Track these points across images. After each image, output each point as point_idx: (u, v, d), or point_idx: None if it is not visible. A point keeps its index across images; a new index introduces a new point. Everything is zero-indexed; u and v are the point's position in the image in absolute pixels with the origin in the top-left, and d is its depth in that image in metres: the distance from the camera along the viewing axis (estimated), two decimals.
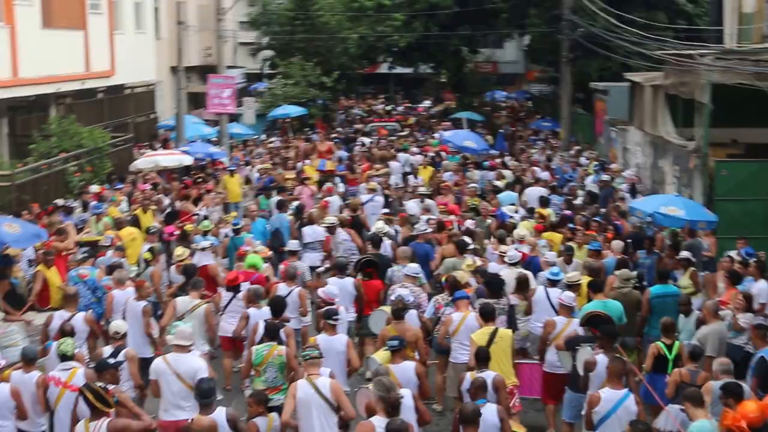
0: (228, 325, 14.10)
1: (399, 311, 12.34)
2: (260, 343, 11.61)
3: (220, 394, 12.42)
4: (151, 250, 16.65)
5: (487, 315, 12.19)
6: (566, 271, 14.98)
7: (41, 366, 11.47)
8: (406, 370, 10.61)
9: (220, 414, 9.41)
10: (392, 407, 8.97)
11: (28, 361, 10.86)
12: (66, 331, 11.63)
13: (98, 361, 10.73)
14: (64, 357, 10.75)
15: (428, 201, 21.42)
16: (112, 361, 10.71)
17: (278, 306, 12.71)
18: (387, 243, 17.14)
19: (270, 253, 17.11)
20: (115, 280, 14.43)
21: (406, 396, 9.65)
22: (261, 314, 12.86)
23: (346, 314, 13.81)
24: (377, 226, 17.88)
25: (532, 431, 12.17)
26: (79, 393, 9.50)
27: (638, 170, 26.62)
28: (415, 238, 17.32)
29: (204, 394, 9.50)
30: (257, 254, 15.98)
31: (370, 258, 15.50)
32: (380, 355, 11.01)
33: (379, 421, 8.93)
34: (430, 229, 17.70)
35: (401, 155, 30.57)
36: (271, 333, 11.62)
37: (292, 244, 16.74)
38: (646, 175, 25.93)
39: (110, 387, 9.81)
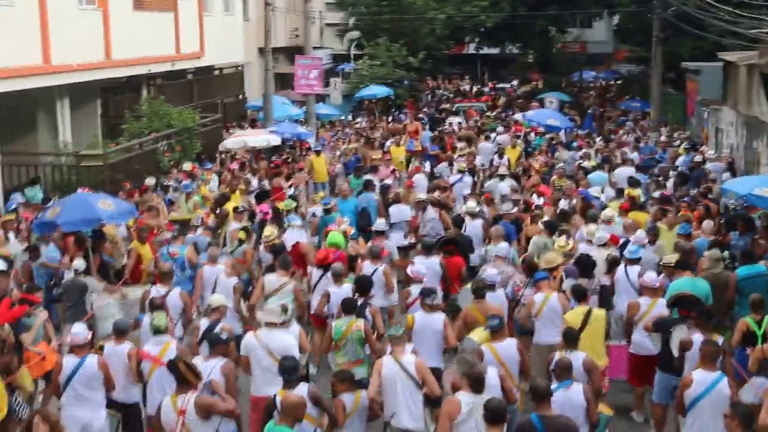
0: (315, 302, 14.18)
1: (480, 290, 12.31)
2: (338, 318, 11.70)
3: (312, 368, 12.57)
4: (245, 229, 16.81)
5: (579, 295, 12.07)
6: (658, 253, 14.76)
7: (135, 338, 11.74)
8: (508, 347, 10.60)
9: (302, 390, 9.46)
10: (476, 383, 8.93)
11: (120, 333, 11.14)
12: (157, 306, 11.87)
13: (211, 336, 10.87)
14: (157, 331, 10.99)
15: (512, 181, 21.30)
16: (224, 336, 10.84)
17: (364, 285, 12.79)
18: (477, 222, 17.10)
19: (353, 230, 17.15)
20: (208, 257, 14.71)
21: (493, 375, 9.62)
22: (342, 292, 12.94)
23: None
24: (468, 205, 17.85)
25: (619, 412, 12.02)
26: (168, 365, 9.66)
27: (731, 151, 26.04)
28: (501, 218, 17.27)
29: (287, 371, 9.56)
30: (338, 232, 16.06)
31: (450, 236, 15.50)
32: (478, 335, 10.97)
33: (464, 396, 8.93)
34: (515, 209, 17.61)
35: (492, 136, 30.37)
36: (349, 308, 11.71)
37: (379, 224, 16.80)
38: (740, 156, 25.36)
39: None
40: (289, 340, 10.97)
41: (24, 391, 11.62)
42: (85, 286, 14.57)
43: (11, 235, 17.01)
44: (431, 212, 18.41)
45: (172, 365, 9.58)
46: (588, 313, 11.77)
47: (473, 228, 16.90)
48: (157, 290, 13.18)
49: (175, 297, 12.99)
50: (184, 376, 9.39)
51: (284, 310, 11.43)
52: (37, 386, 12.42)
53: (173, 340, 11.05)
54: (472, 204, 17.94)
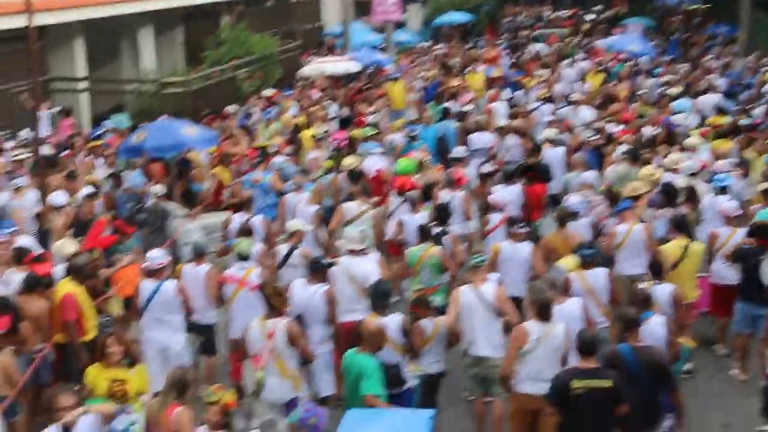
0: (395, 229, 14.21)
1: (563, 218, 12.24)
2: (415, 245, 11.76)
3: None
4: (332, 157, 16.85)
5: (680, 227, 11.89)
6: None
7: (222, 264, 11.94)
8: (598, 276, 10.55)
9: (394, 318, 9.50)
10: (543, 311, 8.89)
11: (199, 255, 11.39)
12: (245, 232, 12.06)
13: (311, 260, 10.99)
14: (241, 257, 11.14)
15: (594, 109, 20.99)
16: (325, 261, 10.95)
17: (442, 212, 12.82)
18: (557, 150, 16.95)
19: (429, 159, 17.10)
20: (294, 185, 14.85)
21: (577, 305, 9.57)
22: (417, 220, 12.98)
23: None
24: (546, 133, 17.68)
25: (702, 345, 11.92)
26: (259, 289, 9.80)
27: None
28: (582, 146, 17.08)
29: (380, 296, 9.62)
30: (412, 160, 16.06)
31: (532, 163, 15.41)
32: (568, 262, 10.93)
33: (532, 324, 8.91)
34: (597, 137, 17.38)
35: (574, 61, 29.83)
36: (425, 235, 11.74)
37: (458, 151, 16.74)
38: None
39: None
40: (370, 266, 11.06)
41: (116, 307, 12.01)
42: (166, 211, 14.89)
43: (99, 161, 17.38)
44: (511, 139, 18.28)
45: (261, 289, 9.71)
46: (686, 247, 11.60)
47: (553, 156, 16.75)
48: (238, 217, 13.39)
49: (255, 223, 13.16)
50: (269, 300, 9.51)
51: (363, 237, 11.53)
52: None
53: (256, 266, 11.21)
54: (551, 131, 17.75)
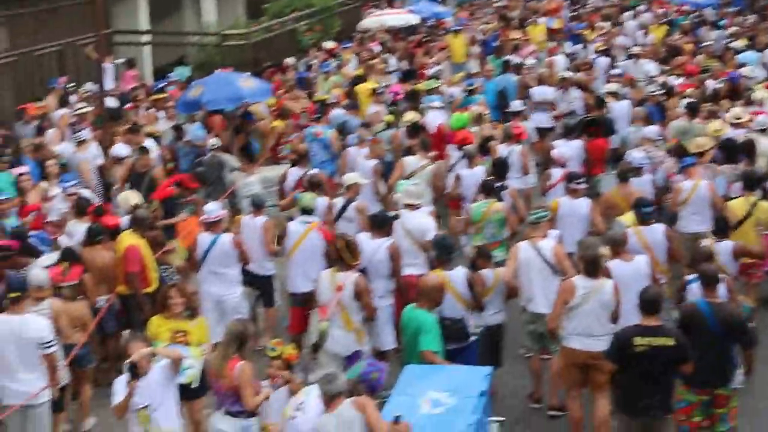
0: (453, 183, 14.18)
1: (625, 173, 12.12)
2: (477, 200, 11.74)
3: None
4: (393, 112, 16.80)
5: (749, 183, 11.69)
6: None
7: (282, 217, 12.02)
8: (656, 232, 10.45)
9: (459, 271, 9.50)
10: (591, 267, 8.82)
11: (257, 207, 11.50)
12: (315, 184, 12.14)
13: (375, 215, 10.97)
14: (305, 210, 11.21)
15: (656, 63, 20.67)
16: (389, 215, 10.94)
17: (500, 167, 12.77)
18: (620, 104, 16.74)
19: (488, 113, 16.99)
20: (358, 139, 14.88)
21: (642, 262, 9.51)
22: (475, 174, 12.94)
23: None
24: (609, 87, 17.45)
25: (764, 304, 11.78)
26: (331, 242, 9.81)
27: None
28: (646, 101, 16.84)
29: (444, 249, 9.63)
30: (468, 114, 15.98)
31: (594, 117, 15.24)
32: (628, 219, 10.85)
33: (580, 280, 8.85)
34: (660, 92, 17.13)
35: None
36: (488, 190, 11.71)
37: (516, 105, 16.63)
38: None
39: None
40: (427, 221, 11.08)
41: (174, 264, 12.20)
42: (223, 163, 15.00)
43: (161, 114, 17.56)
44: (573, 93, 18.09)
45: (334, 242, 9.72)
46: (754, 204, 11.42)
47: (615, 110, 16.54)
48: (294, 171, 13.50)
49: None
50: (341, 254, 9.53)
51: (420, 191, 11.53)
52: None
53: (318, 220, 11.28)
54: (613, 85, 17.51)
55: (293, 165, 13.88)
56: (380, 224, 10.52)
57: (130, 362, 7.21)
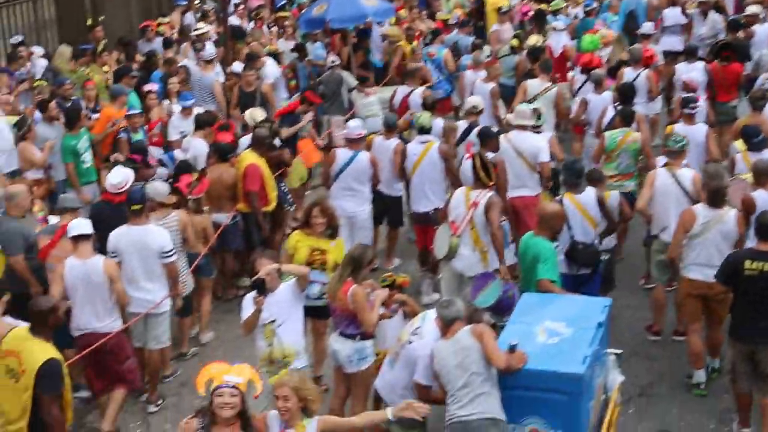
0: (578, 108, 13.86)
1: (758, 100, 11.63)
2: (611, 128, 11.41)
3: None
4: (517, 36, 16.46)
5: None
6: None
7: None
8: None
9: (589, 193, 9.31)
10: (713, 196, 8.56)
11: (389, 128, 11.47)
12: (426, 105, 12.04)
13: (482, 129, 10.92)
14: (421, 130, 11.15)
15: None
16: (495, 129, 10.79)
17: (627, 91, 12.40)
18: (765, 27, 15.93)
19: (613, 36, 16.45)
20: (472, 60, 14.74)
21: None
22: (602, 99, 12.64)
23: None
24: (752, 9, 16.63)
25: None
26: (471, 158, 9.71)
27: None
28: None
29: (575, 173, 9.45)
30: (596, 36, 15.53)
31: (728, 41, 14.61)
32: (738, 144, 10.46)
33: (702, 209, 8.63)
34: None
35: None
36: (625, 118, 11.37)
37: (646, 27, 16.09)
38: None
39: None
40: (540, 142, 10.88)
41: (294, 181, 12.31)
42: (341, 79, 15.07)
43: (283, 32, 17.58)
44: (712, 16, 17.31)
45: (472, 159, 9.59)
46: None
47: (757, 33, 15.71)
48: (402, 90, 13.51)
49: (417, 96, 13.14)
50: (477, 172, 9.37)
51: (537, 114, 11.31)
52: (310, 175, 13.08)
53: (436, 140, 11.20)
54: (755, 7, 16.61)
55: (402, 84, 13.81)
56: (486, 138, 10.40)
57: (257, 279, 7.29)
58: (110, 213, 9.24)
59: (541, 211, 8.72)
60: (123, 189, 9.24)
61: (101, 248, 8.73)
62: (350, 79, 15.41)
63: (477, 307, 8.03)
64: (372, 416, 6.54)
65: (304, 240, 8.68)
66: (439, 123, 12.00)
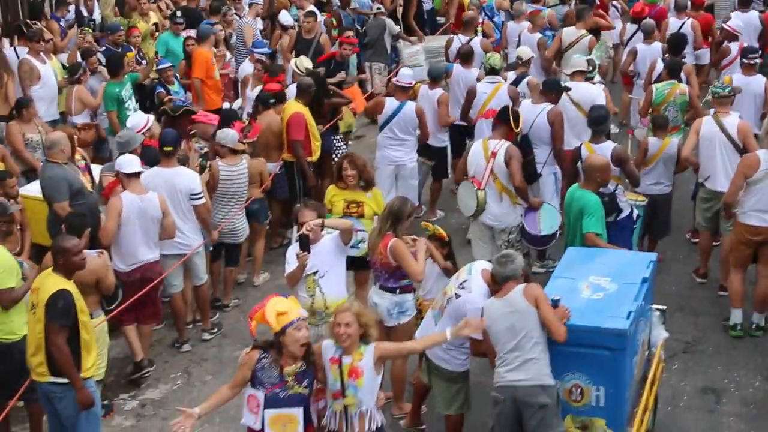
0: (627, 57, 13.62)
1: None
2: (658, 81, 11.20)
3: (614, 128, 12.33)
4: None
5: None
6: None
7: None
8: None
9: (607, 145, 9.22)
10: None
11: (435, 78, 11.42)
12: (465, 51, 11.92)
13: (546, 81, 10.78)
14: (491, 71, 11.10)
15: None
16: (560, 83, 10.61)
17: (675, 42, 12.15)
18: None
19: None
20: (515, 11, 14.63)
21: None
22: (651, 50, 12.38)
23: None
24: None
25: None
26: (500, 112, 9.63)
27: None
28: None
29: (594, 121, 9.36)
30: None
31: None
32: None
33: (764, 153, 8.55)
34: None
35: None
36: (673, 70, 11.14)
37: None
38: None
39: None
40: (596, 91, 10.74)
41: (343, 127, 12.30)
42: (384, 25, 15.01)
43: None
44: None
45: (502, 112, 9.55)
46: None
47: None
48: (459, 39, 13.35)
49: (476, 44, 12.99)
50: (506, 121, 9.34)
51: (591, 64, 11.16)
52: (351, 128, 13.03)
53: (504, 82, 11.13)
54: None
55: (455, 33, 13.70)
56: (548, 88, 10.25)
57: (301, 234, 7.28)
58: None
59: (588, 163, 8.60)
60: (140, 132, 9.52)
61: None
62: (393, 27, 15.31)
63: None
64: (432, 339, 6.58)
65: (339, 194, 8.66)
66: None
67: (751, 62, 10.96)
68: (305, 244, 7.23)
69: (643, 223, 9.44)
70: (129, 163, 8.46)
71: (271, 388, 5.84)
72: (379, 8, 15.25)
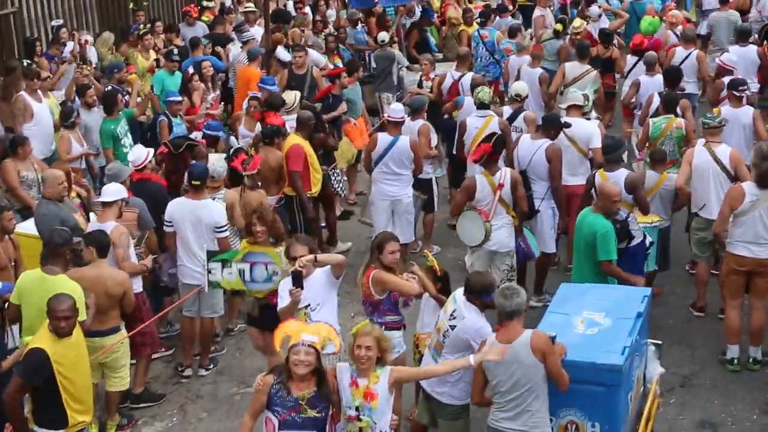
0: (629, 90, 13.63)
1: None
2: (656, 115, 11.23)
3: None
4: (561, 21, 16.28)
5: None
6: None
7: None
8: None
9: (620, 173, 9.31)
10: (762, 178, 8.49)
11: (416, 110, 11.49)
12: (477, 83, 11.99)
13: (547, 117, 10.69)
14: (481, 105, 11.20)
15: None
16: (561, 118, 10.48)
17: (672, 75, 12.20)
18: None
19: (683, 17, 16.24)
20: (518, 47, 14.69)
21: None
22: (654, 82, 12.41)
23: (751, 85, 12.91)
24: None
25: None
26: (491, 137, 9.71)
27: None
28: None
29: (605, 150, 9.52)
30: (656, 18, 15.35)
31: None
32: None
33: (750, 187, 8.57)
34: None
35: None
36: (669, 104, 11.17)
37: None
38: None
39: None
40: (592, 128, 10.74)
41: (341, 164, 12.27)
42: (393, 57, 15.15)
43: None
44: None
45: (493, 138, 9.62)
46: None
47: None
48: (451, 74, 13.37)
49: (467, 80, 13.02)
50: (499, 152, 9.50)
51: (586, 99, 11.20)
52: (357, 158, 12.97)
53: (495, 115, 11.20)
54: None
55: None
56: (548, 124, 10.23)
57: (294, 270, 7.26)
58: (134, 191, 9.42)
59: (600, 190, 8.73)
60: (141, 166, 9.72)
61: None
62: (402, 59, 15.48)
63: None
64: (453, 364, 6.56)
65: (249, 249, 8.48)
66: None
67: (739, 95, 11.00)
68: (298, 280, 7.23)
69: (660, 246, 9.57)
70: (110, 192, 8.65)
71: (287, 413, 5.90)
72: (384, 40, 15.35)
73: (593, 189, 9.22)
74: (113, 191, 8.66)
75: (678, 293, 10.35)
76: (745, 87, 11.22)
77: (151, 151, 10.12)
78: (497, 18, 17.00)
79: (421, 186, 11.40)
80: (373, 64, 15.71)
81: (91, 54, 14.37)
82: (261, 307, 8.39)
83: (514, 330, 6.28)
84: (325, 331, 6.14)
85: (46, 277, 7.40)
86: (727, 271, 8.86)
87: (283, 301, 7.41)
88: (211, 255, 8.56)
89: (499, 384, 6.33)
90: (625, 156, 10.07)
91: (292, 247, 7.64)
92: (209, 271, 8.47)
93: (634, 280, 8.31)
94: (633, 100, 12.86)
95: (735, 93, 11.02)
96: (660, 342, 7.47)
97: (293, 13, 17.68)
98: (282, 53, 14.26)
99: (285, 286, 7.43)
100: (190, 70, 13.41)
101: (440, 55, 17.80)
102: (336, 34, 16.28)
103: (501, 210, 9.38)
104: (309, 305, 7.38)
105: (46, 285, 7.26)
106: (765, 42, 13.76)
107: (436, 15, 18.87)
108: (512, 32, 15.41)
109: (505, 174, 9.37)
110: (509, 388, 6.27)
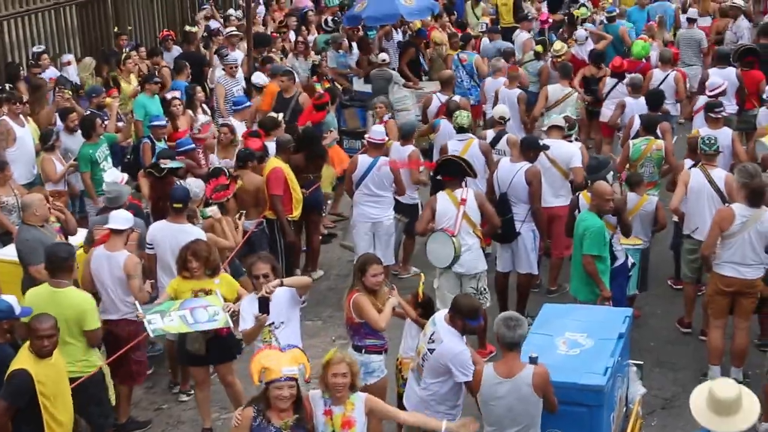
0: (608, 111, 13.69)
1: None
2: (636, 137, 11.29)
3: None
4: (542, 42, 16.42)
5: None
6: None
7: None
8: None
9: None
10: (753, 195, 8.53)
11: (406, 135, 11.54)
12: (452, 107, 11.98)
13: (527, 139, 10.70)
14: (460, 129, 11.21)
15: None
16: (541, 141, 10.57)
17: (653, 98, 12.28)
18: None
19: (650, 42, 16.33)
20: (492, 68, 14.68)
21: None
22: (638, 105, 12.49)
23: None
24: None
25: None
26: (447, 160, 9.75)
27: None
28: None
29: (590, 170, 9.71)
30: (646, 43, 15.47)
31: (751, 47, 14.43)
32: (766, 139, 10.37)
33: (739, 208, 8.60)
34: None
35: None
36: (649, 126, 11.24)
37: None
38: None
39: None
40: (572, 148, 10.81)
41: (325, 186, 12.28)
42: (390, 77, 15.29)
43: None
44: (741, 23, 17.13)
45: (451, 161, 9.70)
46: None
47: None
48: (438, 97, 13.39)
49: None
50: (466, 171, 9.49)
51: (567, 121, 11.25)
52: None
53: (475, 138, 11.24)
54: None
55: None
56: (526, 147, 10.21)
57: (261, 297, 7.17)
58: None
59: (593, 188, 8.93)
60: None
61: None
62: (399, 78, 15.58)
63: None
64: (424, 421, 6.48)
65: (184, 284, 8.24)
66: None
67: (716, 116, 11.06)
68: (265, 306, 7.17)
69: (640, 267, 9.64)
70: (121, 219, 8.50)
71: None
72: (384, 60, 15.44)
73: (576, 211, 9.27)
74: (123, 219, 8.51)
75: (658, 315, 10.35)
76: (722, 109, 11.29)
77: (126, 175, 10.07)
78: (489, 41, 17.09)
79: (407, 210, 11.40)
80: (356, 87, 15.73)
81: (73, 75, 14.36)
82: (207, 340, 8.18)
83: (514, 362, 6.27)
84: (300, 357, 6.12)
85: (55, 291, 7.55)
86: (713, 292, 8.89)
87: (246, 323, 7.36)
88: (147, 309, 8.04)
89: (495, 419, 6.34)
90: (609, 177, 10.06)
91: (254, 265, 7.56)
92: (149, 322, 7.92)
93: (603, 288, 8.54)
94: (618, 121, 12.94)
95: (711, 115, 11.08)
96: (641, 363, 7.48)
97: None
98: (258, 78, 14.28)
99: (248, 306, 7.36)
100: (175, 93, 13.36)
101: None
102: (321, 59, 16.32)
103: (467, 228, 9.24)
104: (273, 323, 7.35)
105: (57, 298, 7.48)
106: (739, 64, 13.84)
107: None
108: (506, 56, 15.50)
109: (467, 191, 9.35)
110: (507, 424, 6.28)
